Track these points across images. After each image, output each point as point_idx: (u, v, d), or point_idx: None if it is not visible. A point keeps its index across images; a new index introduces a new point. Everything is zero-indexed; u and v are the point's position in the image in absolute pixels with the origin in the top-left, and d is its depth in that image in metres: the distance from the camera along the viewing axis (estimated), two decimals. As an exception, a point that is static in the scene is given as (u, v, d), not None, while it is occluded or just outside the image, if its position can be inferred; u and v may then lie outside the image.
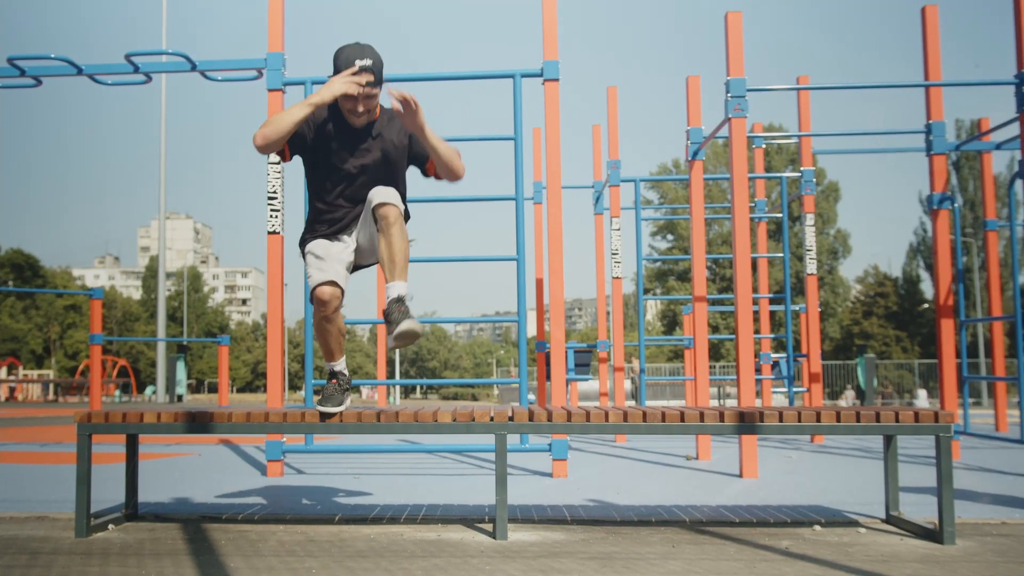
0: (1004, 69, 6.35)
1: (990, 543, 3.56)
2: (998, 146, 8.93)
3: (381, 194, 3.75)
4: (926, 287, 52.43)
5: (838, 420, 3.68)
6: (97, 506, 4.32)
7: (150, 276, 72.57)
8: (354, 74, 3.69)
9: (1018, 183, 6.24)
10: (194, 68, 6.52)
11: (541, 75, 6.17)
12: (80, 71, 6.53)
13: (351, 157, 3.89)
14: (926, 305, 50.13)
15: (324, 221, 3.97)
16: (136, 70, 6.56)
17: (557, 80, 6.17)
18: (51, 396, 39.31)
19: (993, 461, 7.02)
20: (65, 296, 59.64)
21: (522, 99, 6.22)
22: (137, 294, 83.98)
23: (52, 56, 6.50)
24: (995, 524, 4.03)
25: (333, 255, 3.88)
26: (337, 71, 3.76)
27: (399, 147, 3.96)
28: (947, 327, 7.10)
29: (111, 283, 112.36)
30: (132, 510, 4.18)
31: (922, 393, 26.99)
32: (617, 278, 9.90)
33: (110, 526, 3.95)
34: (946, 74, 7.10)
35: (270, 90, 6.28)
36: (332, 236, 3.95)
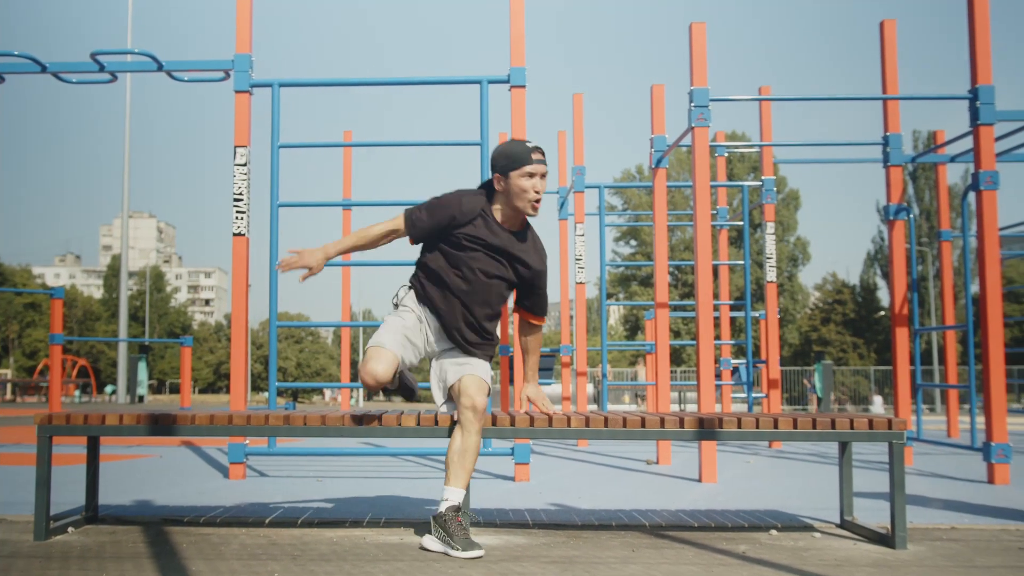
0: (959, 84, 6.50)
1: (940, 547, 3.66)
2: (952, 159, 9.13)
3: (473, 384, 3.66)
4: (883, 294, 53.21)
5: (795, 427, 3.76)
6: (56, 508, 4.29)
7: (112, 275, 71.53)
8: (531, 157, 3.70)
9: (971, 195, 6.39)
10: (160, 68, 6.49)
11: (508, 81, 6.22)
12: (44, 69, 6.48)
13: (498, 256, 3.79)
14: (882, 312, 50.89)
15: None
16: (101, 69, 6.52)
17: (524, 87, 6.22)
18: (9, 396, 38.68)
19: (945, 467, 7.18)
20: (24, 294, 58.71)
21: (489, 105, 6.26)
22: (98, 293, 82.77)
23: (16, 53, 6.44)
24: (945, 529, 4.13)
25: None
26: (511, 161, 3.69)
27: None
28: (902, 336, 7.25)
29: (72, 282, 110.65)
30: (92, 513, 4.16)
31: (877, 399, 27.35)
32: (581, 283, 9.97)
33: (70, 529, 3.92)
34: (903, 87, 7.26)
35: (237, 91, 6.27)
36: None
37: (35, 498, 3.72)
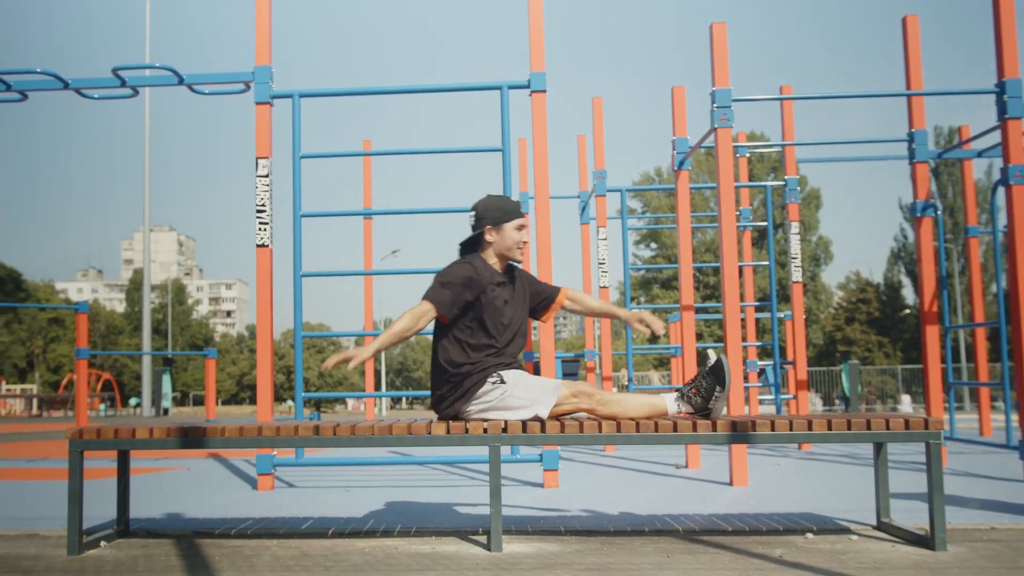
0: (978, 81, 6.40)
1: (980, 548, 3.60)
2: (979, 154, 9.02)
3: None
4: (907, 292, 52.76)
5: (829, 428, 3.71)
6: (88, 522, 4.28)
7: (134, 289, 72.11)
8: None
9: (1000, 190, 6.31)
10: (181, 82, 6.51)
11: (528, 87, 6.20)
12: (67, 85, 6.52)
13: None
14: (907, 310, 50.43)
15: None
16: (123, 84, 6.54)
17: (544, 91, 6.20)
18: (35, 411, 38.96)
19: (980, 466, 7.08)
20: (47, 310, 59.17)
21: (509, 110, 6.25)
22: (121, 307, 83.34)
23: (38, 71, 6.48)
24: (984, 529, 4.06)
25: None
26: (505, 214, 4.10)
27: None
28: (932, 333, 7.16)
29: (94, 296, 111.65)
30: (124, 526, 4.16)
31: (906, 398, 27.06)
32: (604, 287, 9.93)
33: (102, 543, 3.93)
34: (927, 82, 7.18)
35: (258, 103, 6.29)
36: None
37: (67, 513, 3.73)
